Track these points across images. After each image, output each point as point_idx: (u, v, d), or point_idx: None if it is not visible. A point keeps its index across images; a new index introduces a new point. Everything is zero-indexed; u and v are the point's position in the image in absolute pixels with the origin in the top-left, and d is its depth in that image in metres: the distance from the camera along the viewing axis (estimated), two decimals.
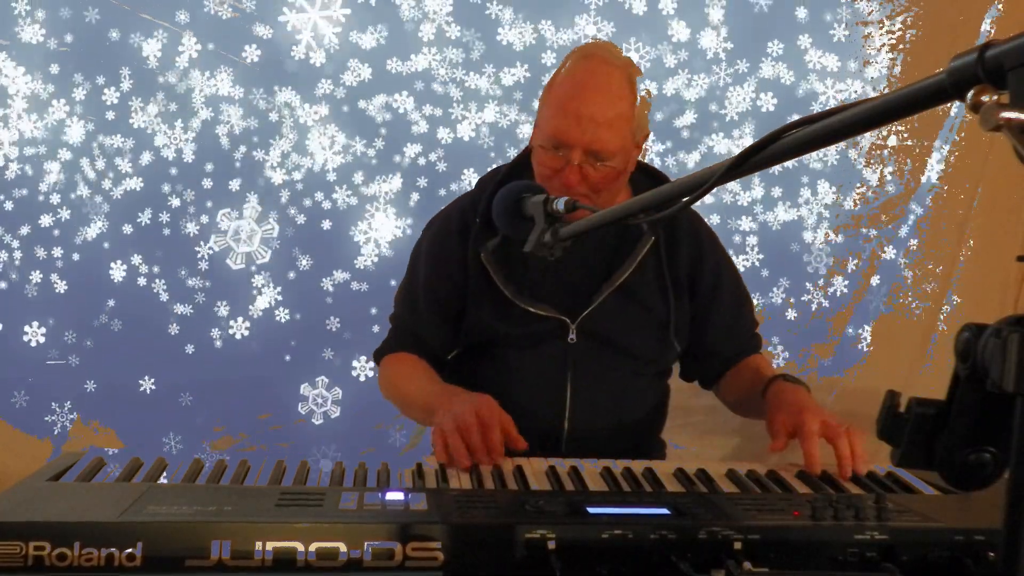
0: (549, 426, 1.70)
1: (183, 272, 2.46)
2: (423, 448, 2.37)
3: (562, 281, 1.71)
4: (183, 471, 1.29)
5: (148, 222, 2.45)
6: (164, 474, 1.29)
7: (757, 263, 2.59)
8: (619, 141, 1.60)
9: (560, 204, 1.23)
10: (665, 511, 1.16)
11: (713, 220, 2.50)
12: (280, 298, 2.47)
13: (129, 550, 1.01)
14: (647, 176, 1.79)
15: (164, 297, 2.46)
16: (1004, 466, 0.62)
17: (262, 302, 2.47)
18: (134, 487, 1.19)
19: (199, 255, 2.46)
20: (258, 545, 1.03)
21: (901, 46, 2.54)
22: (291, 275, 2.48)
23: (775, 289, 2.60)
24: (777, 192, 2.58)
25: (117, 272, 2.45)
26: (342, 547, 1.04)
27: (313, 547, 1.03)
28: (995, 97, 0.56)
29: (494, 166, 1.91)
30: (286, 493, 1.17)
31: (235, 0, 2.38)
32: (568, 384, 1.69)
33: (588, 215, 1.19)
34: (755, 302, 1.97)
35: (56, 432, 2.45)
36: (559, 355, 1.70)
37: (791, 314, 2.61)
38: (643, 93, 1.65)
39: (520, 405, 1.68)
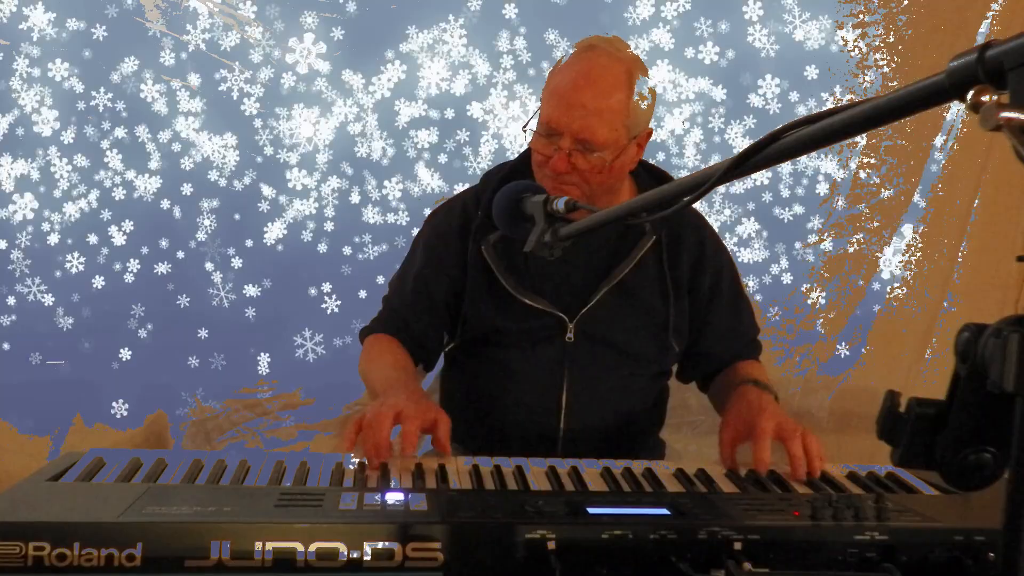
0: (545, 425, 1.70)
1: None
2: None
3: (562, 279, 1.72)
4: (183, 471, 1.29)
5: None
6: (164, 474, 1.29)
7: (756, 263, 2.59)
8: (609, 133, 1.59)
9: (560, 204, 1.23)
10: (665, 511, 1.16)
11: (715, 218, 2.51)
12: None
13: (129, 550, 1.01)
14: (651, 176, 1.79)
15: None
16: (1004, 466, 0.62)
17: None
18: (134, 487, 1.19)
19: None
20: (258, 545, 1.03)
21: (899, 47, 2.54)
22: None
23: (772, 288, 2.60)
24: (776, 191, 2.58)
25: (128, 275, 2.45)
26: (342, 547, 1.04)
27: (313, 547, 1.03)
28: (995, 97, 0.56)
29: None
30: (286, 493, 1.17)
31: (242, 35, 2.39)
32: (565, 383, 1.69)
33: (588, 215, 1.19)
34: (753, 301, 1.97)
35: (56, 432, 2.45)
36: (556, 354, 1.70)
37: (790, 314, 2.62)
38: (645, 91, 1.64)
39: (517, 403, 1.69)
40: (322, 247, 2.49)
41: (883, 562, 1.12)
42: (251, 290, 2.48)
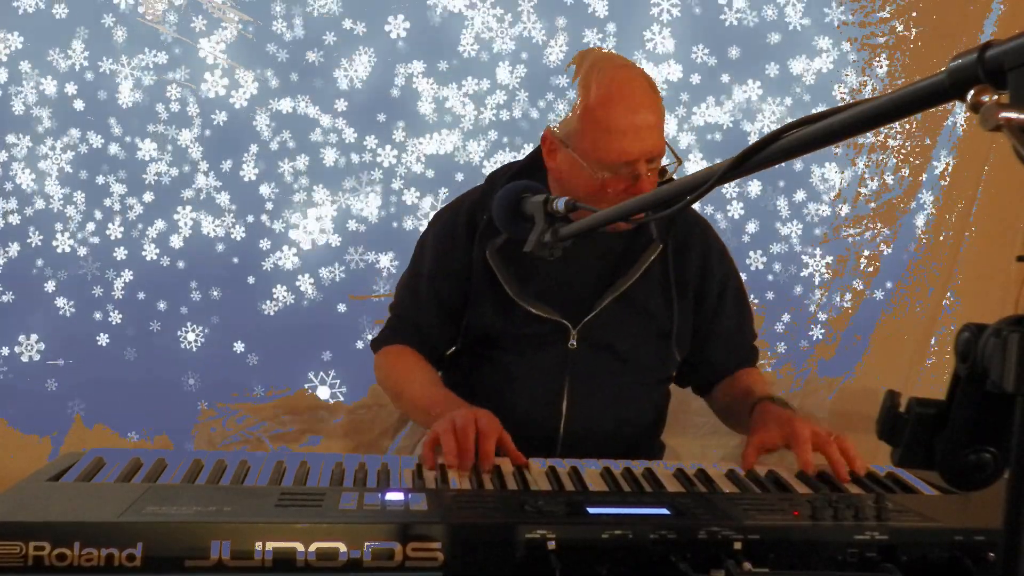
0: (544, 430, 1.69)
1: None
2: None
3: (566, 285, 1.71)
4: (183, 471, 1.29)
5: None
6: (164, 474, 1.29)
7: (756, 263, 2.59)
8: (663, 139, 1.61)
9: (560, 204, 1.22)
10: (665, 511, 1.16)
11: (716, 219, 2.51)
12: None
13: (129, 550, 1.01)
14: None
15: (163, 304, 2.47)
16: (1004, 466, 0.62)
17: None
18: (134, 487, 1.19)
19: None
20: (258, 545, 1.03)
21: (900, 46, 2.54)
22: None
23: (774, 288, 2.60)
24: (777, 191, 2.58)
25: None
26: (342, 547, 1.04)
27: (313, 547, 1.03)
28: (995, 97, 0.56)
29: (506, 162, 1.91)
30: (286, 493, 1.17)
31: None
32: (566, 389, 1.69)
33: (588, 215, 1.19)
34: (754, 302, 1.97)
35: (56, 432, 2.45)
36: (558, 360, 1.69)
37: (790, 314, 2.61)
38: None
39: (516, 408, 1.68)
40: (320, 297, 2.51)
41: (883, 562, 1.12)
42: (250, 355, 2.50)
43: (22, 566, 0.99)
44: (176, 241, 2.44)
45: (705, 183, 0.90)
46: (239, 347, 2.47)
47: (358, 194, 2.46)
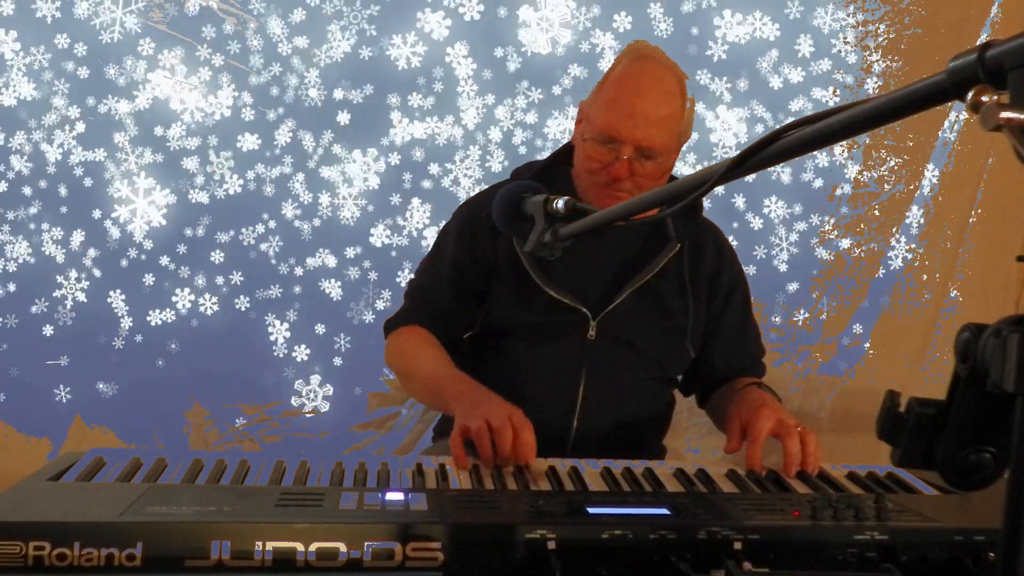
0: (558, 422, 1.69)
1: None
2: (422, 447, 2.37)
3: (587, 277, 1.73)
4: (183, 471, 1.29)
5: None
6: (164, 474, 1.29)
7: (758, 263, 2.59)
8: (667, 140, 1.63)
9: (560, 204, 1.22)
10: (665, 511, 1.16)
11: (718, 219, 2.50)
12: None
13: (129, 550, 1.01)
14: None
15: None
16: (1004, 466, 0.62)
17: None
18: (134, 487, 1.19)
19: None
20: (258, 545, 1.03)
21: (900, 47, 2.54)
22: None
23: (775, 289, 2.60)
24: (778, 191, 2.58)
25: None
26: (342, 547, 1.04)
27: (313, 547, 1.03)
28: (995, 97, 0.56)
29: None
30: (286, 493, 1.17)
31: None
32: (582, 381, 1.70)
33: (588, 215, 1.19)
34: (754, 301, 1.97)
35: (56, 432, 2.45)
36: (576, 351, 1.70)
37: (791, 314, 2.61)
38: (688, 96, 1.69)
39: (531, 399, 1.67)
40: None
41: (883, 562, 1.12)
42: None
43: (22, 566, 0.99)
44: (172, 311, 2.48)
45: (705, 183, 0.90)
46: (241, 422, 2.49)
47: (362, 236, 2.48)
